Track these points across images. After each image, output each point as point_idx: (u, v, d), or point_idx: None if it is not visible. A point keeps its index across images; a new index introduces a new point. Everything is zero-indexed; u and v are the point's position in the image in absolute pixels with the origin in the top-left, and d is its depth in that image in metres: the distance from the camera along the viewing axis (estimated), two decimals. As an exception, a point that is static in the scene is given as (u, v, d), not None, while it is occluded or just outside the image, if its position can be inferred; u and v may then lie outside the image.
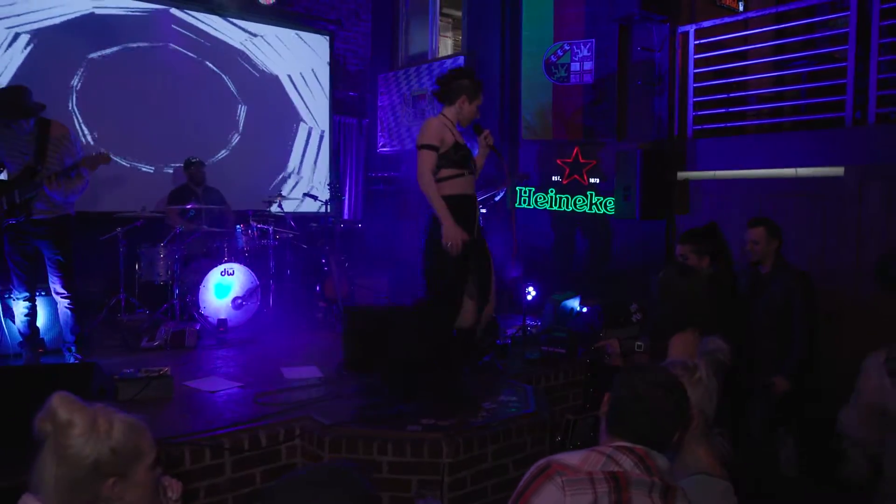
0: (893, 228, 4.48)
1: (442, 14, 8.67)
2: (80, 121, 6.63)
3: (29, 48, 6.36)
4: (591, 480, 1.53)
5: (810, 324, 3.85)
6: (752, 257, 4.04)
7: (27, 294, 4.48)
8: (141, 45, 7.01)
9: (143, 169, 7.02)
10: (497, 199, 6.18)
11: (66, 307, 4.51)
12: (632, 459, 1.59)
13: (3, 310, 4.76)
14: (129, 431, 1.45)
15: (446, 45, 9.61)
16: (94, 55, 6.72)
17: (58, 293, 4.49)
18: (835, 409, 2.67)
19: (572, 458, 1.61)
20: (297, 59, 8.23)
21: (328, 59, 8.51)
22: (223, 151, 7.54)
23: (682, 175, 5.70)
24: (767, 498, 3.52)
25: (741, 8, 6.33)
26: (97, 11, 6.71)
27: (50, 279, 4.48)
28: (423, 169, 3.64)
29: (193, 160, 6.65)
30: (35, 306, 4.57)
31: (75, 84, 6.61)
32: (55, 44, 6.49)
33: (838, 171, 4.76)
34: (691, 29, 5.67)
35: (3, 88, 4.42)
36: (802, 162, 4.96)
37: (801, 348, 3.81)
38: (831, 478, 3.70)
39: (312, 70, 8.37)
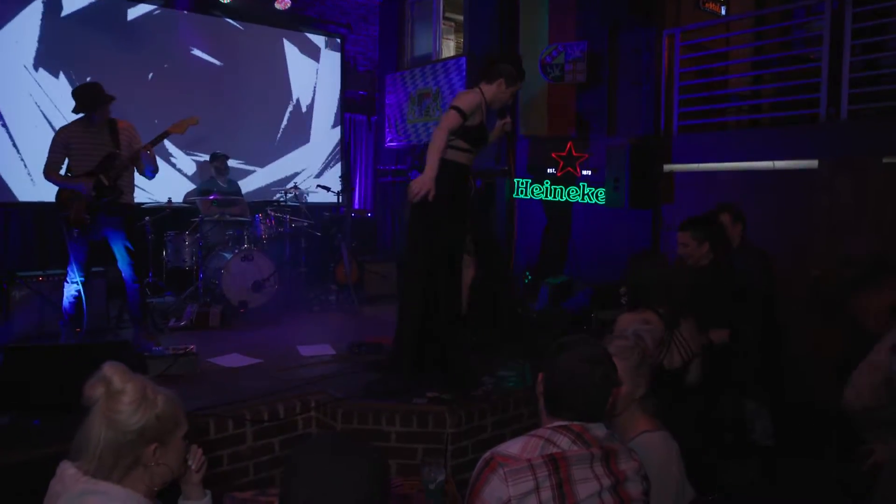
0: (862, 217, 4.47)
1: (445, 18, 8.61)
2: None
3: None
4: (530, 467, 1.53)
5: (765, 294, 3.83)
6: None
7: (83, 279, 4.42)
8: (161, 48, 6.97)
9: (169, 163, 7.02)
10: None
11: (137, 292, 4.49)
12: (569, 437, 1.58)
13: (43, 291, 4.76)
14: (171, 402, 1.48)
15: (449, 47, 9.55)
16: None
17: (130, 278, 4.44)
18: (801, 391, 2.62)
19: (513, 446, 1.60)
20: (310, 61, 8.20)
21: (339, 61, 8.47)
22: (243, 147, 7.52)
23: (667, 167, 5.68)
24: (743, 459, 3.54)
25: (723, 12, 6.29)
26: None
27: (121, 266, 4.44)
28: (443, 125, 3.50)
29: (219, 154, 6.66)
30: (83, 290, 4.51)
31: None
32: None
33: (812, 163, 4.74)
34: (677, 32, 5.63)
35: (79, 86, 4.45)
36: (779, 155, 4.94)
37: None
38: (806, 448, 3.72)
39: (325, 70, 8.34)
